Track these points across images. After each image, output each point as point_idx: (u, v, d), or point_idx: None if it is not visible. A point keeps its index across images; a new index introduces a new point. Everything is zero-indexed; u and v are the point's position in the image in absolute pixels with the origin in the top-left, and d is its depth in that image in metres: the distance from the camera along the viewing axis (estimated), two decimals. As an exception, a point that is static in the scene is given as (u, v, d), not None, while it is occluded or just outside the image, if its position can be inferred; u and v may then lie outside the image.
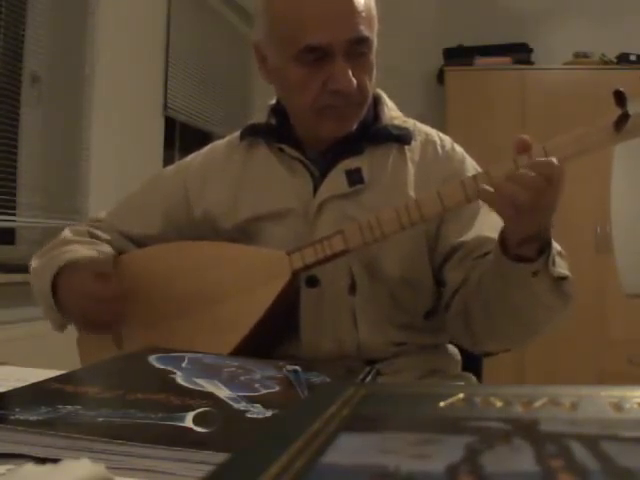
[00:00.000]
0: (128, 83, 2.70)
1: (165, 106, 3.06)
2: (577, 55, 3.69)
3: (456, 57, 3.72)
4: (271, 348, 1.04)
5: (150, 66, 2.96)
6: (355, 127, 1.04)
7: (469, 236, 1.01)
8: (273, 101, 1.13)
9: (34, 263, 1.11)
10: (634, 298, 3.50)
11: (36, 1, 2.34)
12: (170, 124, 3.22)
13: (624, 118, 0.84)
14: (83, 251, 1.08)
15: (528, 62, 3.70)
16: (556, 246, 0.92)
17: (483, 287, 0.95)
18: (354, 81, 0.97)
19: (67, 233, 1.16)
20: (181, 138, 3.49)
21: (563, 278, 0.90)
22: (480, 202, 0.98)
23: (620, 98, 0.84)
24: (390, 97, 1.14)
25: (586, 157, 0.88)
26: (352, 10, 0.96)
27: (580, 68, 3.62)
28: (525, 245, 0.87)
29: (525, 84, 3.63)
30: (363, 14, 0.97)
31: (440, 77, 3.84)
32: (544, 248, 0.87)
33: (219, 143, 1.20)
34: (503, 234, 0.89)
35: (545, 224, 0.86)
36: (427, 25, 4.00)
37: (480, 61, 3.67)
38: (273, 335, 1.04)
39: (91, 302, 1.02)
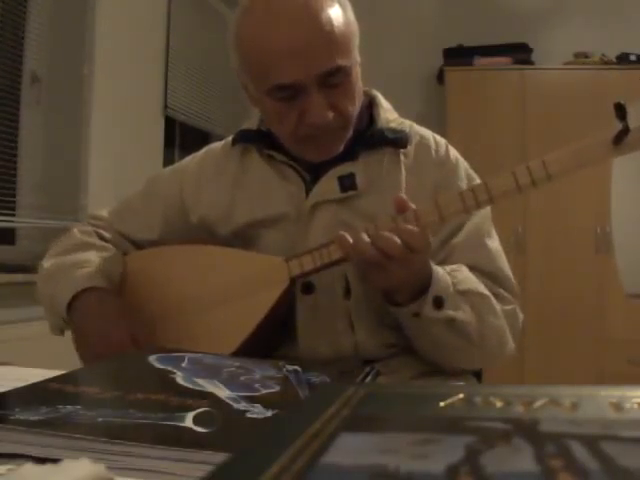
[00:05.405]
0: (128, 83, 2.70)
1: (165, 106, 3.06)
2: (577, 55, 3.69)
3: (456, 57, 3.72)
4: (268, 353, 1.03)
5: (150, 66, 2.96)
6: (342, 148, 1.01)
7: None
8: None
9: (46, 264, 1.09)
10: (634, 298, 3.48)
11: (36, 1, 2.34)
12: (170, 124, 3.22)
13: (624, 132, 0.82)
14: (100, 265, 1.05)
15: (528, 62, 3.70)
16: (462, 284, 0.95)
17: None
18: (330, 114, 0.93)
19: (77, 234, 1.15)
20: (181, 138, 3.49)
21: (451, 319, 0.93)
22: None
23: (620, 111, 0.82)
24: (390, 97, 1.12)
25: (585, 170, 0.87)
26: (322, 42, 0.89)
27: (580, 68, 3.62)
28: (395, 294, 0.93)
29: (525, 84, 3.62)
30: (338, 40, 0.91)
31: (440, 77, 3.84)
32: (422, 293, 0.91)
33: (215, 146, 1.19)
34: None
35: (411, 279, 0.90)
36: (427, 25, 4.00)
37: (480, 61, 3.67)
38: (270, 340, 1.04)
39: (113, 350, 0.94)
